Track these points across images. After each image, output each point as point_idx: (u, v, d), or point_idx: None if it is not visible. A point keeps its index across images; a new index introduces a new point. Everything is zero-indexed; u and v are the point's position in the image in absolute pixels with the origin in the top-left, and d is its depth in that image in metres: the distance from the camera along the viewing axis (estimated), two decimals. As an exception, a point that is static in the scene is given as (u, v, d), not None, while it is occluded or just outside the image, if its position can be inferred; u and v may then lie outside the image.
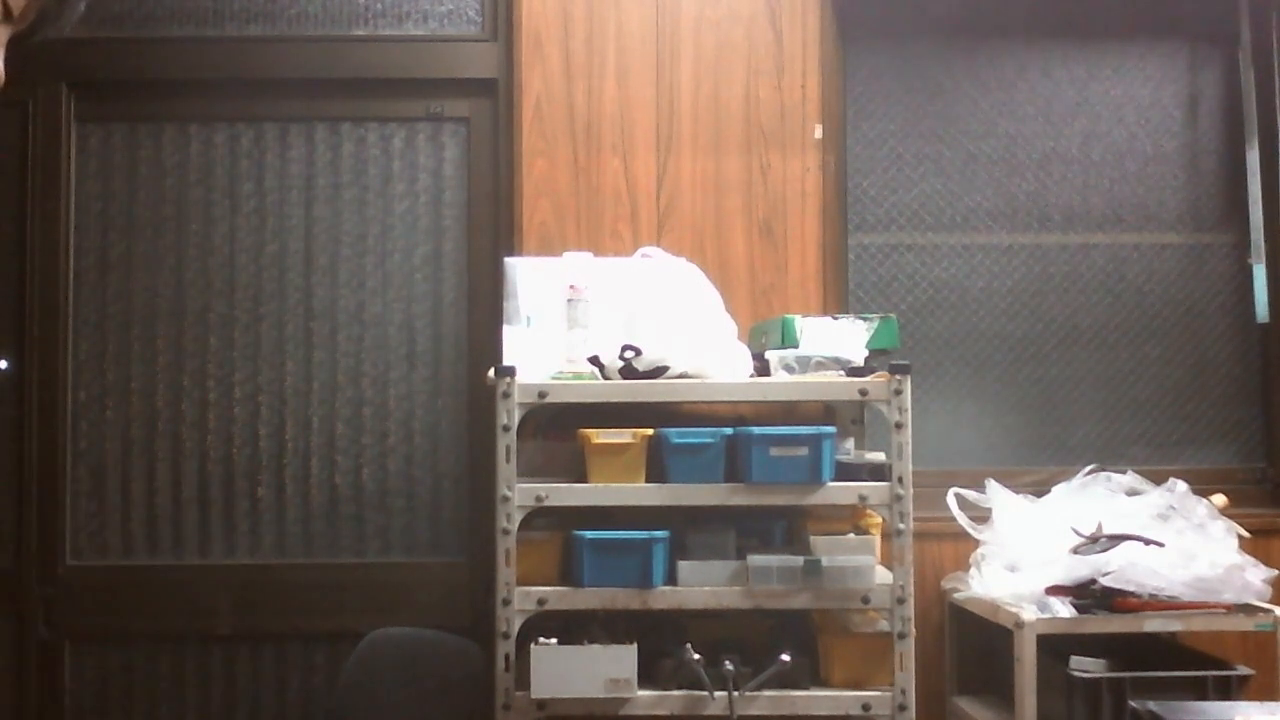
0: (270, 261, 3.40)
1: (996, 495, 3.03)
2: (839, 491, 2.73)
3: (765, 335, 3.02)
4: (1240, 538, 2.88)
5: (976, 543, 3.01)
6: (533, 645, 2.65)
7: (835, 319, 2.94)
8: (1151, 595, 2.76)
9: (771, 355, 2.83)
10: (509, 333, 2.94)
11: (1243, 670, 2.79)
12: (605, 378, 2.77)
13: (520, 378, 2.73)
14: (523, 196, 3.27)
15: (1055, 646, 2.79)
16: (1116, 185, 3.51)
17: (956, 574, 3.14)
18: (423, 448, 3.38)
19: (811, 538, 2.76)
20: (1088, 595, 2.78)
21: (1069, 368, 3.48)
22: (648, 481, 2.76)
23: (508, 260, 3.05)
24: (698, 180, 3.29)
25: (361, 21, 3.42)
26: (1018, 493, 3.06)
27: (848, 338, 2.85)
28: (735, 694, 2.66)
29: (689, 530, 2.80)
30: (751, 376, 2.84)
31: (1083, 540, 2.86)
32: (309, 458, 3.37)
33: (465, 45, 3.39)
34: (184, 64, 3.37)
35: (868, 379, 2.74)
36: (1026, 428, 3.47)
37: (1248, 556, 2.84)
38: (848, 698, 2.70)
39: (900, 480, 2.70)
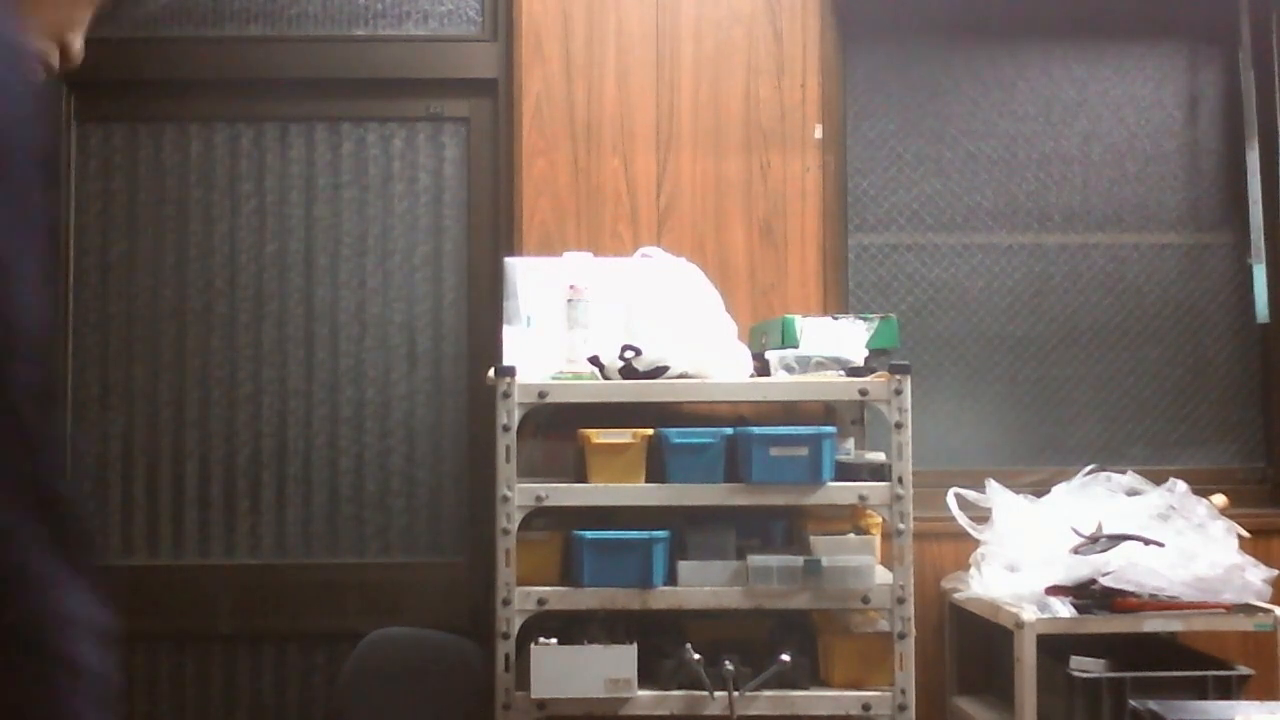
0: (270, 261, 3.40)
1: (996, 495, 3.03)
2: (839, 491, 2.73)
3: (765, 335, 3.02)
4: (1240, 538, 2.88)
5: (976, 543, 3.01)
6: (533, 645, 2.65)
7: (835, 319, 2.94)
8: (1151, 595, 2.76)
9: (771, 355, 2.83)
10: (509, 333, 2.94)
11: (1243, 670, 2.79)
12: (605, 378, 2.77)
13: (520, 378, 2.73)
14: (523, 196, 3.27)
15: (1055, 646, 2.79)
16: (1116, 185, 3.51)
17: (956, 574, 3.14)
18: (423, 448, 3.38)
19: (811, 538, 2.76)
20: (1088, 595, 2.78)
21: (1069, 368, 3.48)
22: (648, 481, 2.76)
23: (508, 260, 3.06)
24: (698, 180, 3.29)
25: (361, 21, 3.42)
26: (1018, 493, 3.06)
27: (848, 338, 2.85)
28: (735, 694, 2.66)
29: (689, 530, 2.80)
30: (751, 376, 2.84)
31: (1083, 540, 2.86)
32: (309, 458, 3.37)
33: (465, 45, 3.39)
34: (184, 64, 3.37)
35: (868, 379, 2.74)
36: (1026, 428, 3.47)
37: (1248, 556, 2.84)
38: (848, 698, 2.70)
39: (900, 480, 2.70)
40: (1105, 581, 2.76)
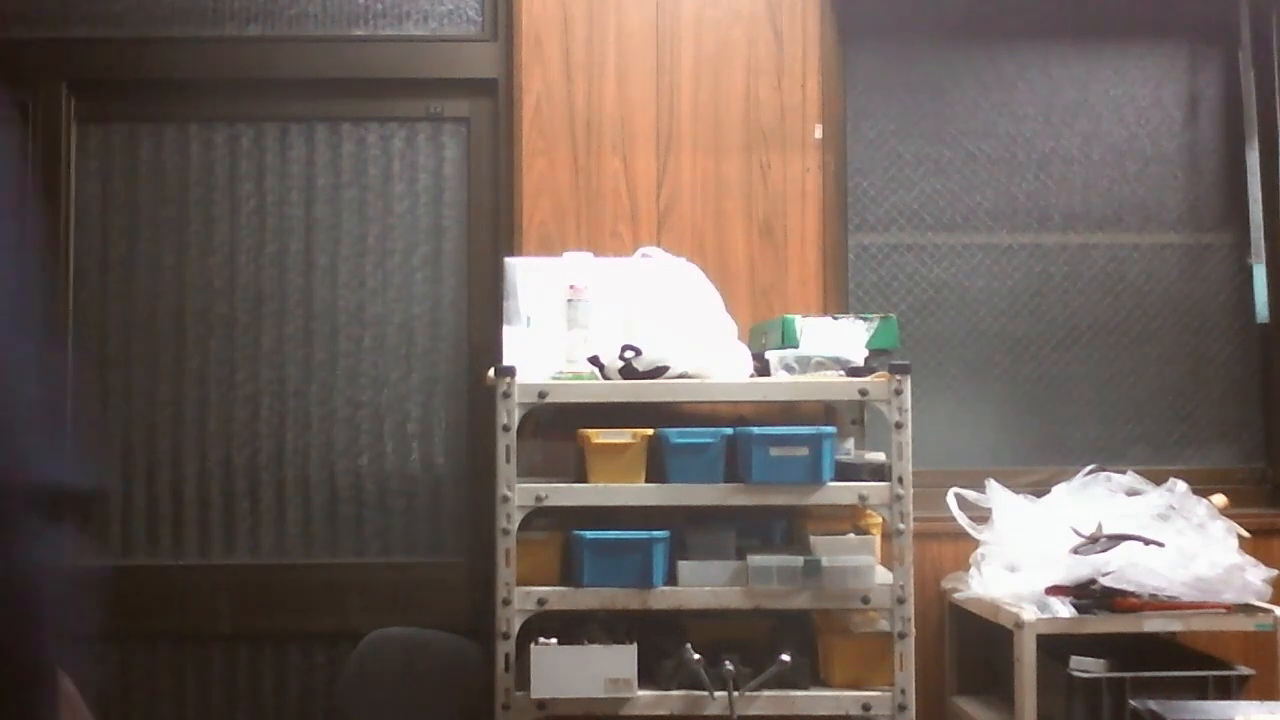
0: (270, 261, 3.40)
1: (996, 495, 3.03)
2: (839, 491, 2.73)
3: (765, 335, 3.02)
4: (1240, 538, 2.88)
5: (976, 543, 3.01)
6: (533, 645, 2.66)
7: (835, 319, 2.94)
8: (1151, 595, 2.76)
9: (771, 355, 2.83)
10: (509, 333, 2.94)
11: (1243, 670, 2.79)
12: (605, 378, 2.77)
13: (520, 378, 2.73)
14: (523, 196, 3.27)
15: (1055, 646, 2.79)
16: (1116, 185, 3.51)
17: (956, 574, 3.14)
18: (423, 448, 3.38)
19: (811, 538, 2.76)
20: (1088, 595, 2.78)
21: (1069, 368, 3.48)
22: (648, 481, 2.76)
23: (508, 260, 3.06)
24: (698, 180, 3.29)
25: (361, 21, 3.42)
26: (1018, 493, 3.06)
27: (848, 338, 2.86)
28: (735, 694, 2.66)
29: (689, 530, 2.80)
30: (751, 376, 2.84)
31: (1083, 540, 2.86)
32: (309, 457, 3.37)
33: (465, 45, 3.39)
34: (184, 64, 3.37)
35: (868, 379, 2.74)
36: (1026, 428, 3.47)
37: (1248, 556, 2.84)
38: (848, 698, 2.70)
39: (900, 480, 2.70)
40: (1105, 581, 2.76)
